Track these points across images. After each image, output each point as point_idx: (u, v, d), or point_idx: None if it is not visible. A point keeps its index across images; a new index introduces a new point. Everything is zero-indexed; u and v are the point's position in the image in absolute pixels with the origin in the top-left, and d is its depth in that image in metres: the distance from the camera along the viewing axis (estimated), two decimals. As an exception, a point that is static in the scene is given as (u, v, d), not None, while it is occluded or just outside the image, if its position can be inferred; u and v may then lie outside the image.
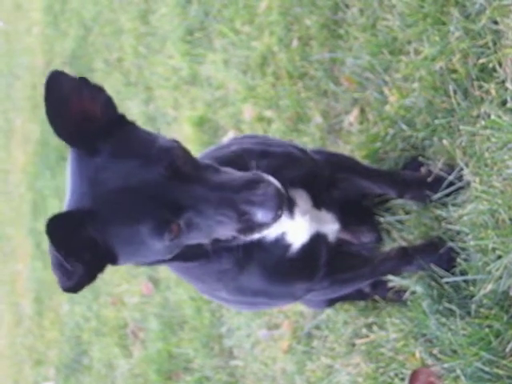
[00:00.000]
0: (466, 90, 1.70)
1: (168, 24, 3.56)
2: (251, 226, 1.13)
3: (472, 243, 1.62)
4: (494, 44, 1.63)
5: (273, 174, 1.19)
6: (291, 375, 2.26)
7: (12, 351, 5.58)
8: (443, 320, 1.66)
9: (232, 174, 1.18)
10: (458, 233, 1.68)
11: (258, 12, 2.76)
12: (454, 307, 1.64)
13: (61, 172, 4.32)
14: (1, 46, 8.11)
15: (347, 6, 2.22)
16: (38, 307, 4.93)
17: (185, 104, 3.27)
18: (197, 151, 1.46)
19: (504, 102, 1.58)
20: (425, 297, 1.72)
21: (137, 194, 1.10)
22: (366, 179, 1.72)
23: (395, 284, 1.83)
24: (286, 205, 1.14)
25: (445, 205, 1.72)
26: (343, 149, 2.14)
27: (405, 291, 1.81)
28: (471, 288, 1.63)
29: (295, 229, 1.43)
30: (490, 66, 1.63)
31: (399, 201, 1.86)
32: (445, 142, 1.74)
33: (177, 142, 1.18)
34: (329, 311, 2.11)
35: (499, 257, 1.54)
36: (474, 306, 1.61)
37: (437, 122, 1.76)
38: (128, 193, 1.10)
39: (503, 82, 1.60)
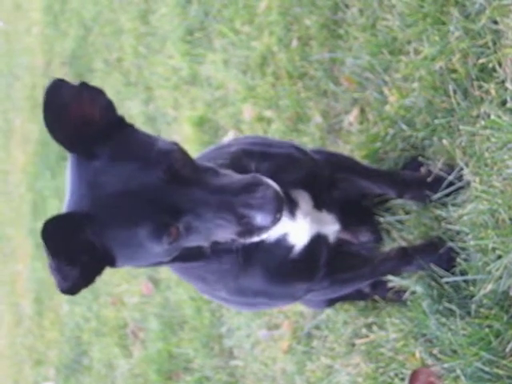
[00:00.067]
0: (466, 89, 1.70)
1: (168, 24, 3.56)
2: (250, 229, 1.13)
3: (472, 243, 1.62)
4: (494, 44, 1.62)
5: (274, 176, 1.19)
6: (291, 375, 2.26)
7: (12, 351, 5.58)
8: (443, 320, 1.66)
9: (231, 176, 1.18)
10: (458, 233, 1.68)
11: (258, 12, 2.76)
12: (454, 307, 1.64)
13: (61, 172, 4.32)
14: (1, 46, 8.11)
15: (347, 6, 2.22)
16: (38, 307, 4.93)
17: (185, 104, 3.27)
18: (197, 151, 1.46)
19: (504, 102, 1.58)
20: (425, 297, 1.72)
21: (136, 197, 1.10)
22: (366, 179, 1.72)
23: (395, 284, 1.83)
24: (284, 208, 1.14)
25: (445, 205, 1.72)
26: (343, 149, 2.14)
27: (405, 291, 1.81)
28: (471, 288, 1.62)
29: (297, 230, 1.43)
30: (490, 65, 1.63)
31: (399, 201, 1.86)
32: (445, 141, 1.74)
33: (176, 144, 1.18)
34: (329, 311, 2.11)
35: (499, 257, 1.54)
36: (474, 306, 1.61)
37: (437, 121, 1.76)
38: (127, 196, 1.10)
39: (503, 81, 1.60)
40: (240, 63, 2.83)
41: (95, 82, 4.24)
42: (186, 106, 3.25)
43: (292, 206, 1.42)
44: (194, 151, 1.30)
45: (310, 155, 1.57)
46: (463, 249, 1.65)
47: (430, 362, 1.70)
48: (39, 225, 1.02)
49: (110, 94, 1.19)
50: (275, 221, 1.12)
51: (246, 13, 2.83)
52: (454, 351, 1.62)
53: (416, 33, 1.85)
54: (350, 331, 2.01)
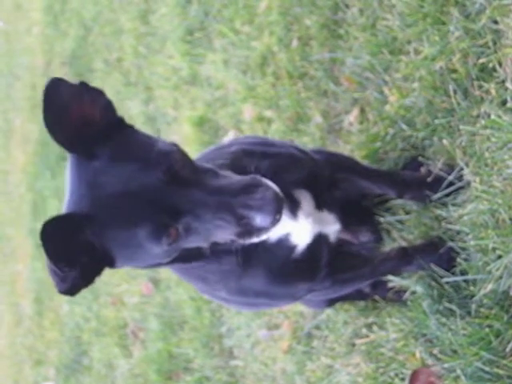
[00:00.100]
0: (466, 89, 1.70)
1: (168, 24, 3.56)
2: (250, 230, 1.13)
3: (472, 243, 1.62)
4: (494, 44, 1.62)
5: (275, 176, 1.19)
6: (291, 375, 2.26)
7: (12, 351, 5.58)
8: (443, 320, 1.66)
9: (230, 177, 1.18)
10: (458, 233, 1.68)
11: (258, 12, 2.76)
12: (454, 307, 1.64)
13: (61, 172, 4.31)
14: (1, 46, 8.11)
15: (347, 6, 2.22)
16: (38, 307, 4.93)
17: (185, 104, 3.27)
18: (197, 151, 1.46)
19: (504, 102, 1.58)
20: (425, 297, 1.72)
21: (135, 197, 1.10)
22: (366, 179, 1.72)
23: (395, 284, 1.83)
24: (284, 209, 1.14)
25: (445, 205, 1.72)
26: (343, 149, 2.14)
27: (405, 291, 1.81)
28: (471, 288, 1.62)
29: (299, 230, 1.43)
30: (490, 65, 1.63)
31: (399, 201, 1.86)
32: (445, 141, 1.74)
33: (176, 145, 1.18)
34: (329, 311, 2.11)
35: (499, 256, 1.54)
36: (474, 306, 1.61)
37: (437, 121, 1.75)
38: (126, 197, 1.10)
39: (503, 81, 1.60)
40: (240, 63, 2.83)
41: (95, 82, 4.24)
42: (185, 106, 3.25)
43: (294, 206, 1.42)
44: (194, 151, 1.30)
45: (310, 155, 1.57)
46: (463, 249, 1.65)
47: (430, 361, 1.70)
48: (39, 225, 1.02)
49: (110, 94, 1.19)
50: (274, 222, 1.12)
51: (246, 13, 2.83)
52: (455, 351, 1.62)
53: (416, 33, 1.85)
54: (350, 331, 2.01)
